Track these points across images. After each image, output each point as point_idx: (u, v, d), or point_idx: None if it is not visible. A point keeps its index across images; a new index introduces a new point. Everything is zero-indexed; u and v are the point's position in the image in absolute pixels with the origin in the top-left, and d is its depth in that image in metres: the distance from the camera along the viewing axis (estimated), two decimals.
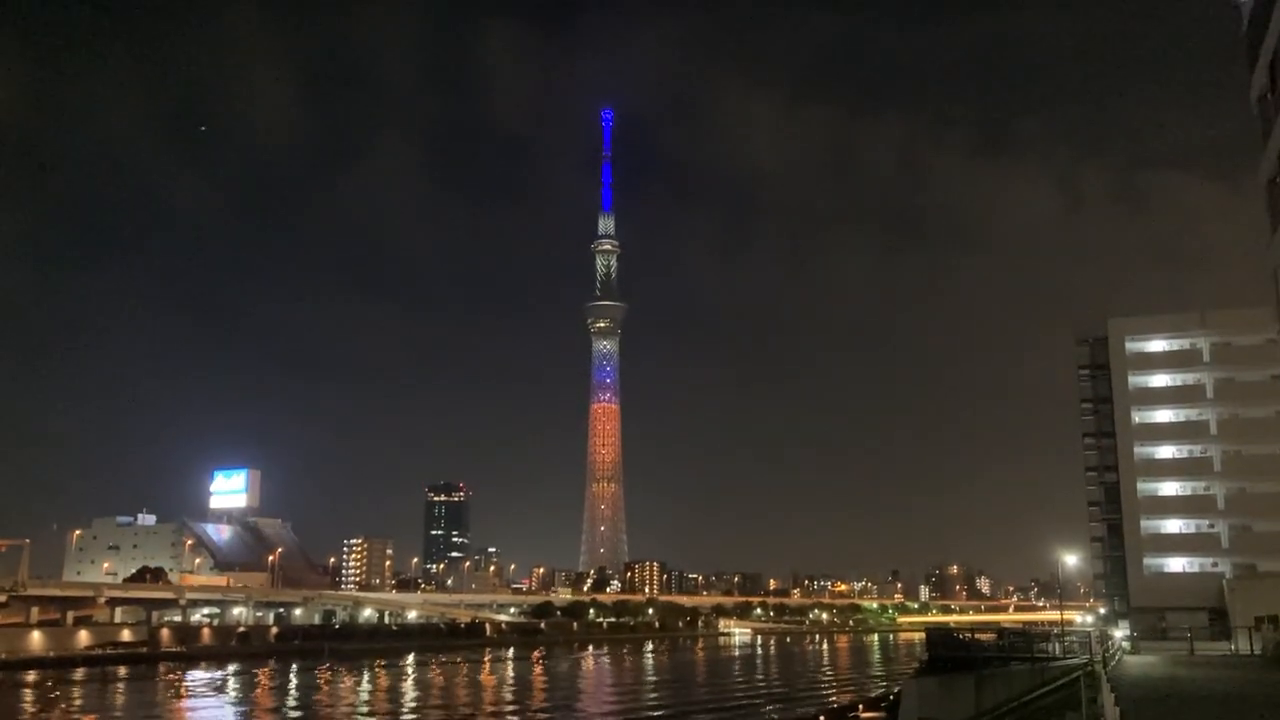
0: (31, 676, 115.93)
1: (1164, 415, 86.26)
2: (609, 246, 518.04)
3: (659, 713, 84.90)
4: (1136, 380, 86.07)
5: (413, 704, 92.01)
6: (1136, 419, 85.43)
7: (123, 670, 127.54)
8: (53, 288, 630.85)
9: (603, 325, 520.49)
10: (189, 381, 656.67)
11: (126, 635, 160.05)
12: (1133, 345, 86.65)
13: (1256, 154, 41.76)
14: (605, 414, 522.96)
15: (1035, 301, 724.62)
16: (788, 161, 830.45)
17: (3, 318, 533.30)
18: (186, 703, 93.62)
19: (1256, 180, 41.95)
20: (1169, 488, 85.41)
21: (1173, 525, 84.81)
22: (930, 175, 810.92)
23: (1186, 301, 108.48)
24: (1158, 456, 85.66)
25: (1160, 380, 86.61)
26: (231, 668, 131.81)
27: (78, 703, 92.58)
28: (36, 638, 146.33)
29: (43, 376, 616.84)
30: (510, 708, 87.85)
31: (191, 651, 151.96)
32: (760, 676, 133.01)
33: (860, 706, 76.82)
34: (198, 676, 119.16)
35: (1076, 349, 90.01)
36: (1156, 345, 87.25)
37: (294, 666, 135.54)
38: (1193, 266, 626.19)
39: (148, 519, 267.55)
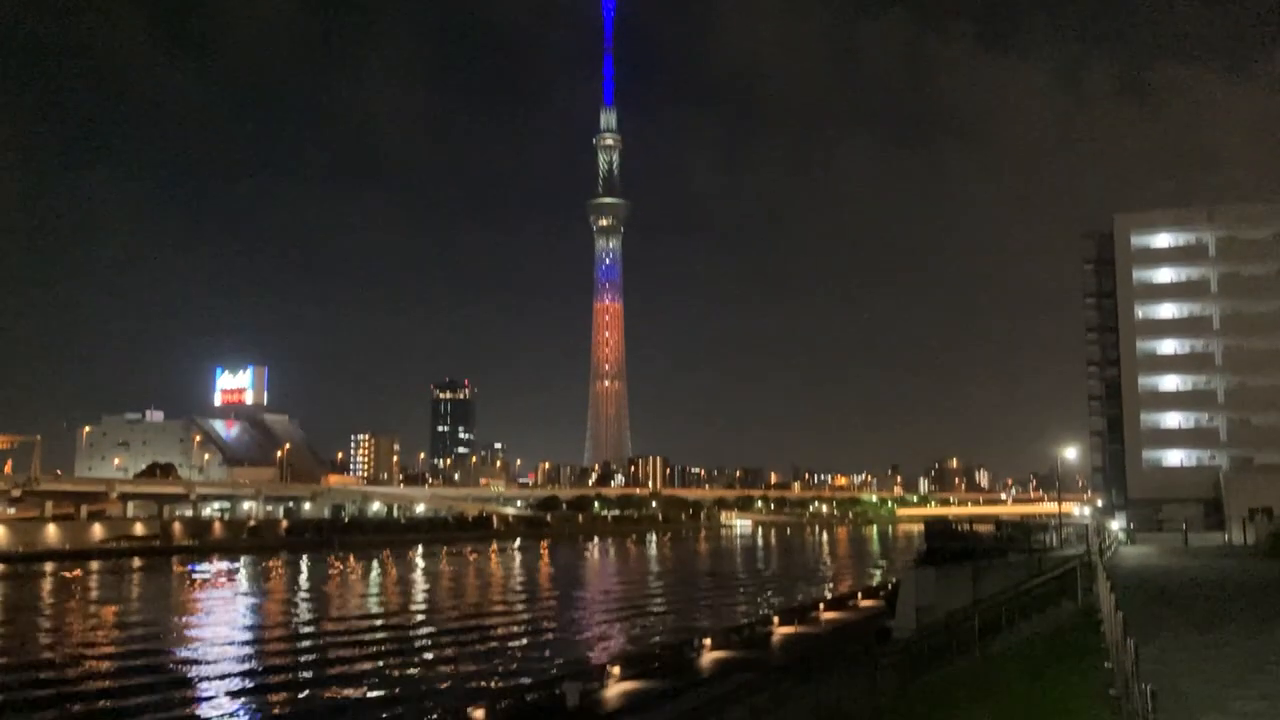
0: (49, 567, 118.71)
1: (1167, 310, 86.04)
2: (611, 141, 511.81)
3: (667, 599, 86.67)
4: (1141, 275, 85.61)
5: (422, 590, 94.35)
6: (1140, 314, 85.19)
7: (137, 562, 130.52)
8: (51, 188, 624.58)
9: (606, 223, 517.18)
10: (193, 280, 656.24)
11: (139, 529, 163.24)
12: (1138, 240, 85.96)
13: (1270, 45, 40.75)
14: (609, 312, 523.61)
15: (1040, 200, 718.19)
16: (791, 60, 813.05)
17: (4, 220, 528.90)
18: (200, 592, 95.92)
19: (1270, 71, 41.04)
20: (1170, 382, 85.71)
21: (1172, 419, 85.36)
22: (935, 72, 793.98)
23: (1193, 197, 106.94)
24: (1160, 351, 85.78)
25: (1165, 275, 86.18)
26: (243, 560, 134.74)
27: (95, 593, 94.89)
28: (52, 531, 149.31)
29: (47, 277, 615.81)
30: (519, 591, 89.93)
31: (203, 545, 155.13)
32: (762, 566, 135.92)
33: (859, 595, 78.33)
34: (210, 568, 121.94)
35: (1081, 243, 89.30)
36: (1162, 240, 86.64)
37: (304, 558, 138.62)
38: (1201, 162, 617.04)
39: (156, 416, 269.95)
